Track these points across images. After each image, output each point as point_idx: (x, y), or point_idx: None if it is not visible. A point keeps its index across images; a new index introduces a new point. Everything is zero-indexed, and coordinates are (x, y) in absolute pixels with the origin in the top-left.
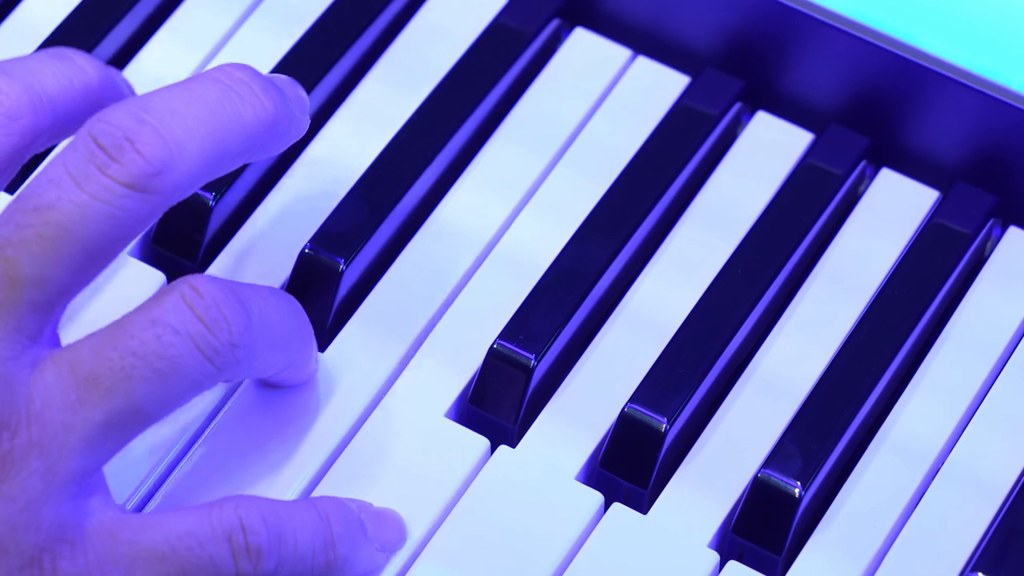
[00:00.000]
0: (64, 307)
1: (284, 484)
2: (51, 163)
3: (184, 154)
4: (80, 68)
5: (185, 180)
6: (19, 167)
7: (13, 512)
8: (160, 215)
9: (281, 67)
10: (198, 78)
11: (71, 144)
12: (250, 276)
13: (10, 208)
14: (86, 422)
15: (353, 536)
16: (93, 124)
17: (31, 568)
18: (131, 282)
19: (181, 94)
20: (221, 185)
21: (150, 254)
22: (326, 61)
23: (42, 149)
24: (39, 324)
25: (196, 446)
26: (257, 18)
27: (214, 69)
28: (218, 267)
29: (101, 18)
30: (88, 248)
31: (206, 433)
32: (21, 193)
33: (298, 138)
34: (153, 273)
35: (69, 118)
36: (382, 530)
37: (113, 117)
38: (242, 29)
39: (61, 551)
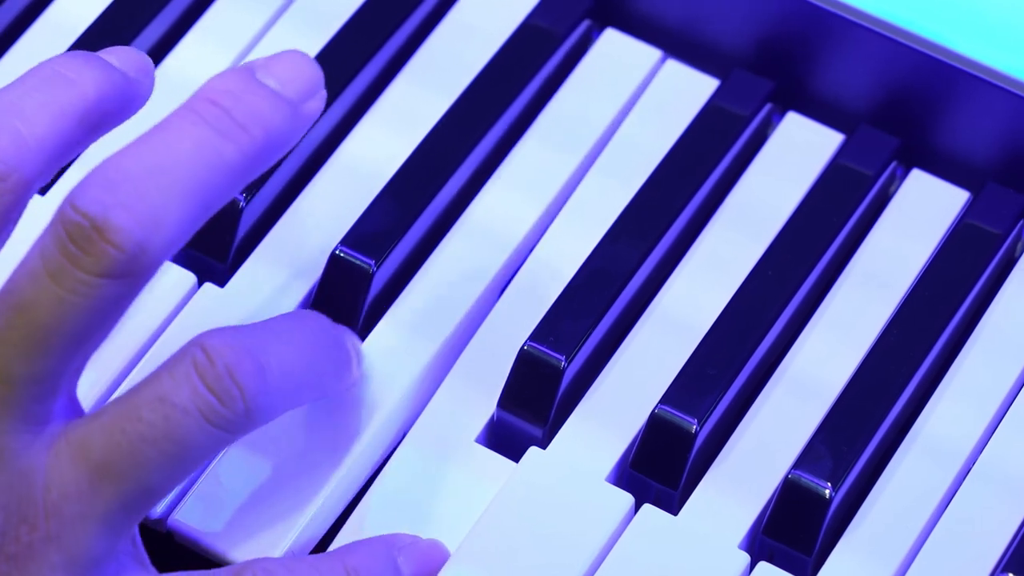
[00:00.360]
0: (70, 383)
1: (313, 499)
2: (28, 253)
3: (161, 225)
4: (71, 87)
5: (166, 249)
6: (17, 219)
7: None
8: (147, 283)
9: None
10: (172, 123)
11: (45, 231)
12: (280, 278)
13: None
14: (102, 508)
15: None
16: (64, 210)
17: None
18: (162, 283)
19: (154, 152)
20: (252, 186)
21: (181, 255)
22: (357, 61)
23: (38, 189)
24: (45, 409)
25: (221, 456)
26: (288, 18)
27: (191, 99)
28: (248, 268)
29: (132, 18)
30: (75, 338)
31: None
32: (3, 287)
33: (310, 124)
34: (183, 274)
35: (65, 150)
36: (421, 567)
37: (82, 201)
38: (273, 29)
39: None
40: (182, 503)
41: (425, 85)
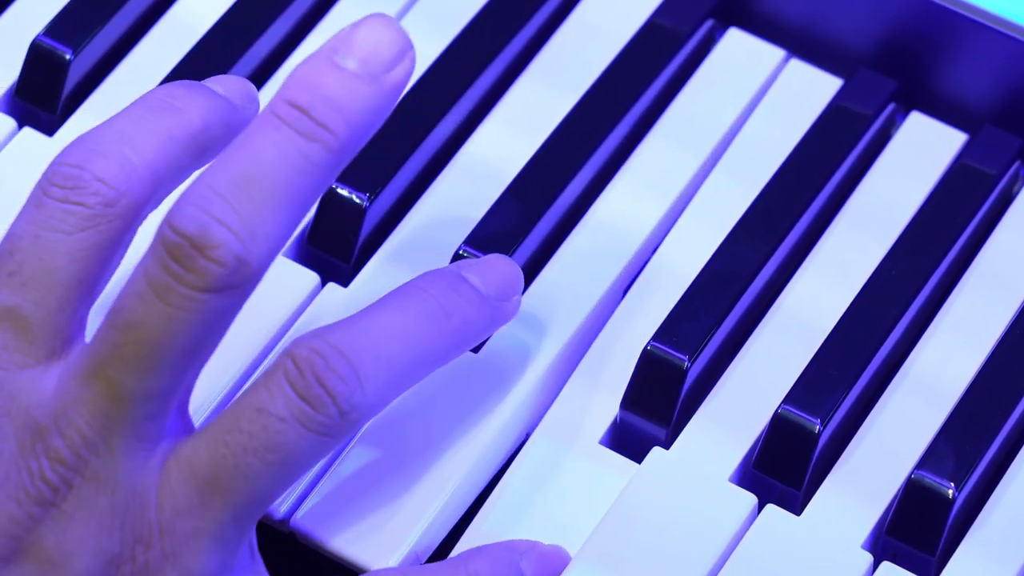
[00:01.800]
0: (181, 400)
1: (436, 500)
2: (133, 273)
3: (258, 235)
4: (178, 114)
5: (267, 256)
6: (129, 243)
7: None
8: (253, 290)
9: (436, 67)
10: (255, 132)
11: (147, 252)
12: (403, 277)
13: (104, 326)
14: (213, 523)
15: None
16: (162, 232)
17: None
18: (285, 283)
19: (241, 164)
20: (375, 186)
21: (305, 254)
22: (481, 61)
23: (149, 214)
24: (157, 427)
25: (344, 453)
26: (412, 18)
27: (271, 103)
28: (372, 268)
29: (255, 18)
30: (186, 352)
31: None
32: (112, 307)
33: (399, 94)
34: (306, 274)
35: (172, 176)
36: (544, 570)
37: (179, 221)
38: None
39: None
40: (304, 504)
41: (549, 85)
